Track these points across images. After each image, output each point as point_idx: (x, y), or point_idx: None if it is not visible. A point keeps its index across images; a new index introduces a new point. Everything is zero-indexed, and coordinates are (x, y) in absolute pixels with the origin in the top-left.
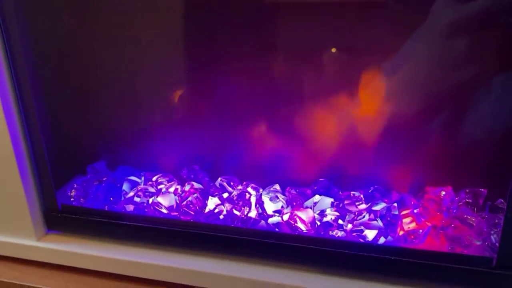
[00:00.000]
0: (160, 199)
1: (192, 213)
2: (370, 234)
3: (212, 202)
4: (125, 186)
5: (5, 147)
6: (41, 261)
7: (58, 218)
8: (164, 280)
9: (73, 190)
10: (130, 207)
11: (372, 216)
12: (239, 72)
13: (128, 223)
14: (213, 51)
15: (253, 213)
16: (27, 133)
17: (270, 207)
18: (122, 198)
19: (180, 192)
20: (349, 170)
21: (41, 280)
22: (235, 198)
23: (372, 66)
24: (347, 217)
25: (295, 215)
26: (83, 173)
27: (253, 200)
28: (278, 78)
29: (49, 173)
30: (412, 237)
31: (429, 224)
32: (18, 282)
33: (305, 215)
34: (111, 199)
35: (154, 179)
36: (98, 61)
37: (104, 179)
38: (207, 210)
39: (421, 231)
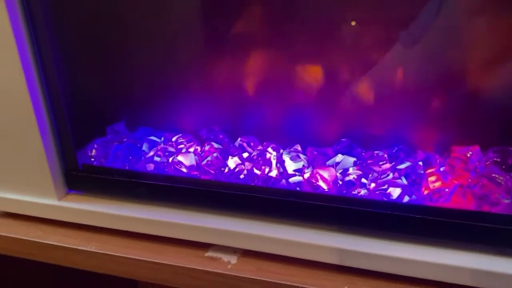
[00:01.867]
0: (180, 157)
1: (212, 172)
2: (395, 192)
3: (232, 162)
4: (145, 146)
5: (26, 108)
6: (62, 220)
7: (78, 178)
8: (185, 238)
9: (94, 150)
10: (150, 166)
11: (396, 174)
12: (259, 33)
13: (148, 182)
14: (233, 11)
15: (273, 173)
16: (47, 94)
17: (291, 166)
18: (142, 158)
19: (200, 152)
20: (372, 130)
21: (63, 239)
22: (255, 157)
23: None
24: (370, 176)
25: (317, 173)
26: (103, 135)
27: (273, 159)
28: (299, 38)
29: (69, 133)
30: (438, 195)
31: (455, 182)
32: (40, 241)
33: (327, 173)
34: (130, 158)
35: (173, 139)
36: (118, 21)
37: (124, 140)
38: (227, 169)
39: (447, 189)
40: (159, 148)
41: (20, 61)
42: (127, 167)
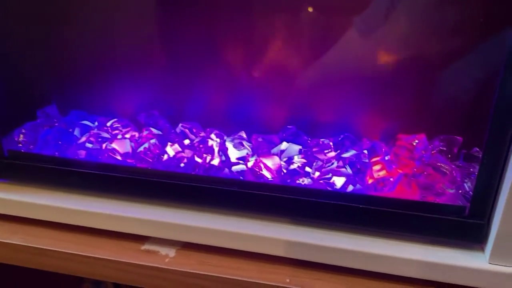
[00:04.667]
0: (114, 145)
1: (150, 160)
2: (338, 182)
3: (171, 149)
4: (77, 131)
5: None
6: None
7: (4, 165)
8: (120, 230)
9: (21, 135)
10: (81, 153)
11: (340, 163)
12: (204, 15)
13: (79, 170)
14: None
15: (216, 161)
16: None
17: (234, 154)
18: (74, 144)
19: (137, 138)
20: (319, 117)
21: None
22: (196, 144)
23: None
24: (314, 164)
25: (260, 161)
26: (34, 119)
27: (216, 147)
28: (246, 22)
29: None
30: (382, 185)
31: (400, 171)
32: None
33: (271, 162)
34: (61, 143)
35: (108, 124)
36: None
37: (56, 124)
38: (166, 157)
39: (391, 179)
40: (92, 133)
41: None
42: (57, 154)
